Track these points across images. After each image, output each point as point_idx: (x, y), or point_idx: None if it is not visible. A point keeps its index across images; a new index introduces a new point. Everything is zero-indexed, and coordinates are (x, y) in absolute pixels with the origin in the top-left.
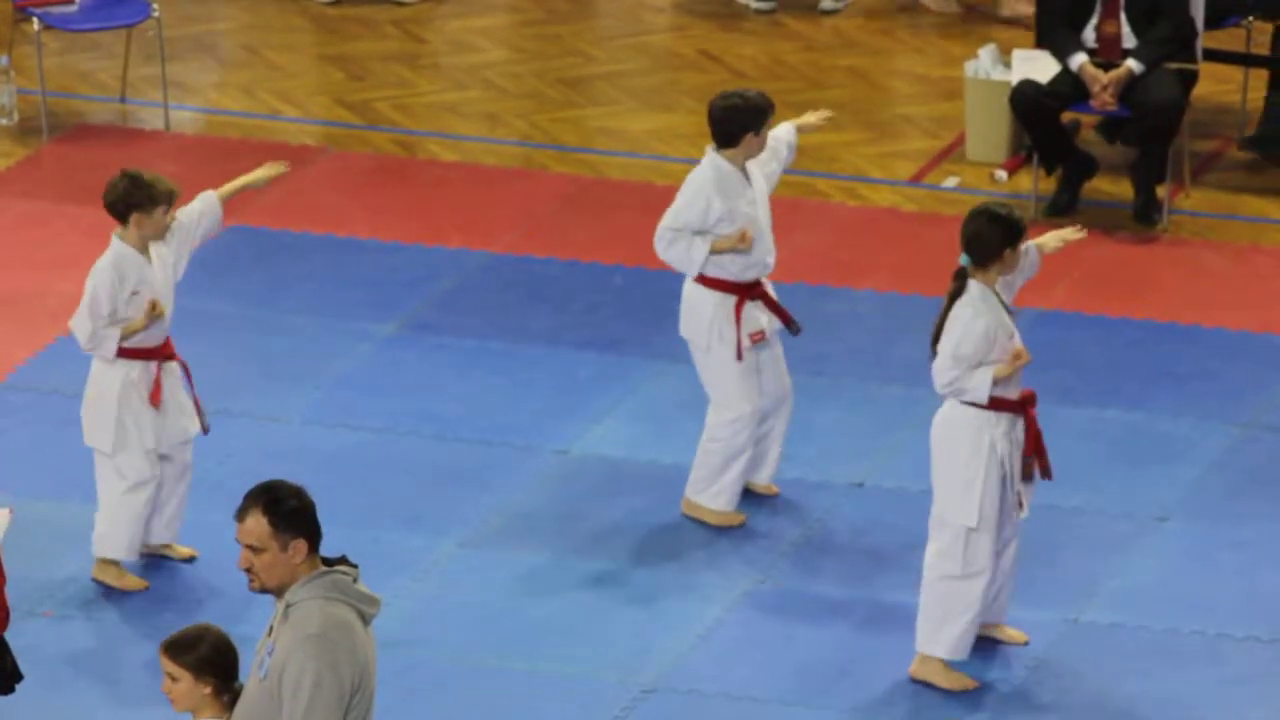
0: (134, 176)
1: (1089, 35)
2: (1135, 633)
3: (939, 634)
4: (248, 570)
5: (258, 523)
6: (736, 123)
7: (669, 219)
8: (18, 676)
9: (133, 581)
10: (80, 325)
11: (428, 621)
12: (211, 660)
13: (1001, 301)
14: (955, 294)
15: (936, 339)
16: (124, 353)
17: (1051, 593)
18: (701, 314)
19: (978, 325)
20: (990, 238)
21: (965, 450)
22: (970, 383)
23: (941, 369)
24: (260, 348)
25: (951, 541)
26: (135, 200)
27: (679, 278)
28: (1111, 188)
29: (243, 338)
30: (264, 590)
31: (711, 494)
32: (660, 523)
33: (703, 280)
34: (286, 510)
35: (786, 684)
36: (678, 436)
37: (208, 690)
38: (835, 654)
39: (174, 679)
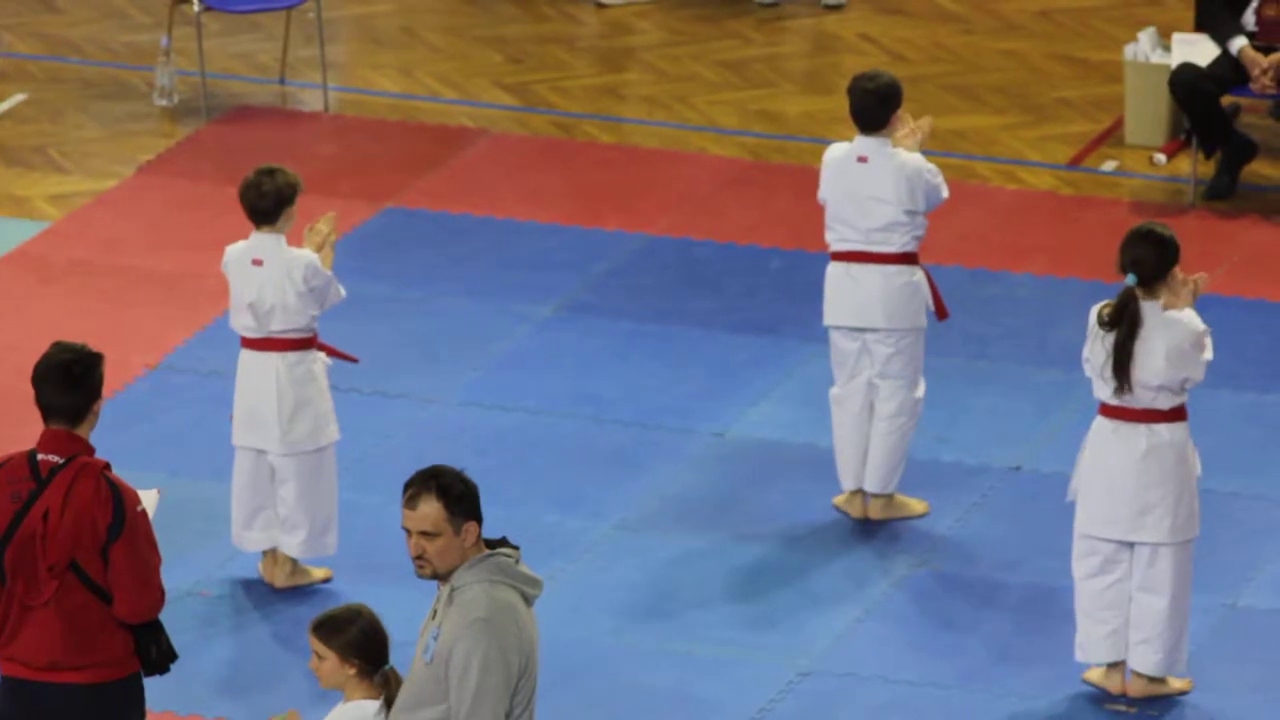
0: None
1: (1249, 19)
2: None
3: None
4: (418, 557)
5: (432, 508)
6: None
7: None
8: (172, 656)
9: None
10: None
11: (585, 603)
12: (360, 644)
13: None
14: (1135, 320)
15: (1121, 366)
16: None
17: (1209, 578)
18: (922, 293)
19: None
20: (1160, 259)
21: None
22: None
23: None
24: (418, 329)
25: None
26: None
27: None
28: (1271, 171)
29: (400, 320)
30: (434, 576)
31: (898, 481)
32: (817, 505)
33: (911, 257)
34: (458, 494)
35: (943, 668)
36: None
37: (352, 671)
38: (992, 638)
39: (320, 657)
